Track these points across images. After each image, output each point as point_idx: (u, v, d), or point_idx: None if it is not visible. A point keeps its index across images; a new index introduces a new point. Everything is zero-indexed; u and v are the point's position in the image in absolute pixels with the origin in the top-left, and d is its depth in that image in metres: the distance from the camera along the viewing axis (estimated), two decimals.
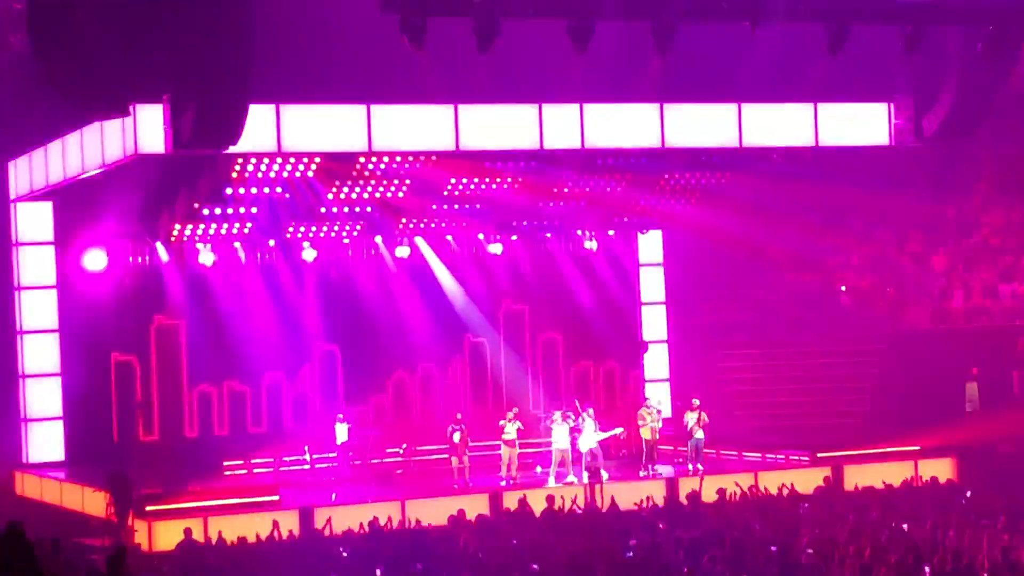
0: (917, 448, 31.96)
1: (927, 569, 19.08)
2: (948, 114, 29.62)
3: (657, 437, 32.29)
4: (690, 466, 31.57)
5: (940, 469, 30.90)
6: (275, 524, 25.60)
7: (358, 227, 34.40)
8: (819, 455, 31.70)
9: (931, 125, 30.06)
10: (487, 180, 32.67)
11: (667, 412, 35.39)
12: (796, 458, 32.05)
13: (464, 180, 32.56)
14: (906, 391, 35.52)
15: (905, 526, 22.55)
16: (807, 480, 29.60)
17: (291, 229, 33.82)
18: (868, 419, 35.74)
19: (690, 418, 32.16)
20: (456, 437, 31.53)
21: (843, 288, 40.61)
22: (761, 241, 37.63)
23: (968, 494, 27.17)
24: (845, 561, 19.48)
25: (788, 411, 37.03)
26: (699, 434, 31.91)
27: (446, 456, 32.15)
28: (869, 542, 20.58)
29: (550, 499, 27.53)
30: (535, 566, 20.42)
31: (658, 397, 35.70)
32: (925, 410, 33.99)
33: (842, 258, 41.06)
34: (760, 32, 25.43)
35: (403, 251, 35.92)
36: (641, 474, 31.52)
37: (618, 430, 32.56)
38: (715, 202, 35.48)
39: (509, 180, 32.84)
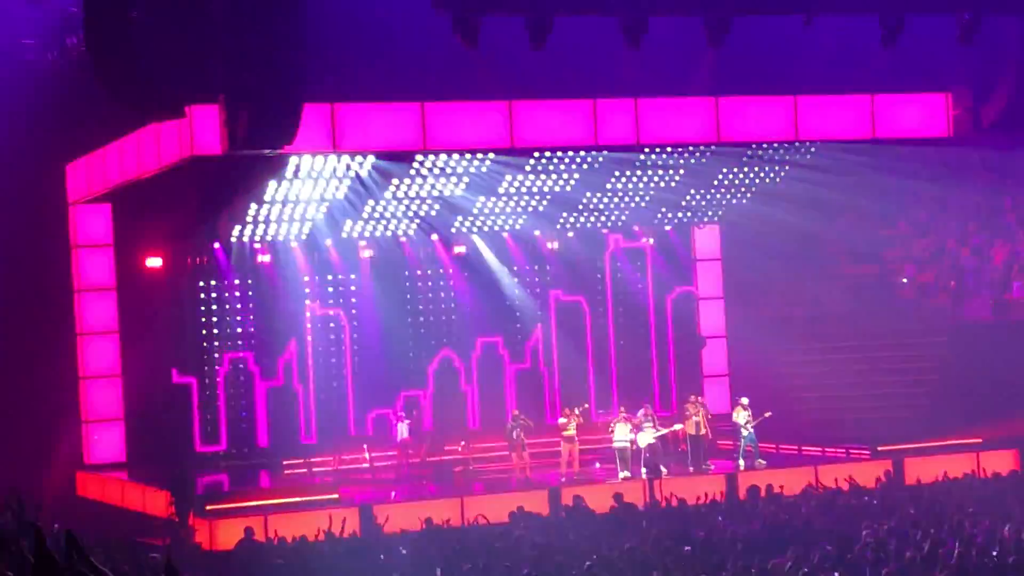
0: (979, 440, 31.77)
1: (987, 562, 18.90)
2: (1007, 104, 29.32)
3: (703, 431, 32.12)
4: (759, 461, 31.43)
5: (1002, 461, 30.67)
6: (330, 518, 25.65)
7: (414, 225, 34.47)
8: (879, 448, 31.50)
9: (989, 115, 29.77)
10: (543, 176, 32.65)
11: (725, 407, 35.21)
12: (856, 452, 31.87)
13: (520, 176, 32.58)
14: (967, 383, 35.20)
15: (966, 520, 22.33)
16: (867, 474, 29.43)
17: (347, 228, 33.94)
18: (929, 412, 35.43)
19: (740, 416, 31.97)
20: (515, 434, 31.54)
21: (904, 280, 40.30)
22: (819, 234, 37.42)
23: None
24: (905, 555, 19.32)
25: (848, 405, 36.77)
26: (748, 431, 31.68)
27: (506, 453, 32.18)
28: (929, 535, 20.40)
29: (616, 496, 27.37)
30: (595, 557, 20.37)
31: (712, 393, 35.53)
32: (987, 402, 33.71)
33: (902, 250, 40.76)
34: (815, 24, 25.25)
35: (459, 248, 36.00)
36: (691, 470, 31.40)
37: (677, 426, 32.46)
38: (772, 195, 35.35)
39: (565, 176, 32.83)
